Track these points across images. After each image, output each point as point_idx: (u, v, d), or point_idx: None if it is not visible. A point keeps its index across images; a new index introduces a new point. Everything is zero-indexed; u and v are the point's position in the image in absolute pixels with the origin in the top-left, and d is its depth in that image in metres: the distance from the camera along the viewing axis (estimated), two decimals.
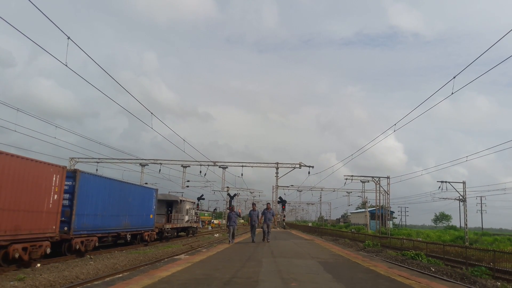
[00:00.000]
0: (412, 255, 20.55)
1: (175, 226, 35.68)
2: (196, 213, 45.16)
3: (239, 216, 20.94)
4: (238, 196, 69.06)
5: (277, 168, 46.30)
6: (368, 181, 54.80)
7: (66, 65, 13.10)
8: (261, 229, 20.61)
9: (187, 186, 50.90)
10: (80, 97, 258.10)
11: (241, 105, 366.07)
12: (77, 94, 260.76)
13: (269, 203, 22.06)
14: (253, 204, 21.24)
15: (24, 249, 14.66)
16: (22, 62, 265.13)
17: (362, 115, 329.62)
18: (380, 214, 55.24)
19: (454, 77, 14.76)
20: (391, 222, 73.22)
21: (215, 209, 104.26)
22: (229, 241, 18.82)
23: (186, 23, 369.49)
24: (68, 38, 12.48)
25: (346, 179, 51.89)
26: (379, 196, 52.83)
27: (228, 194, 53.15)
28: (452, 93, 15.04)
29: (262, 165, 47.22)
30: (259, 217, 19.80)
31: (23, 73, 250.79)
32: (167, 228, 33.06)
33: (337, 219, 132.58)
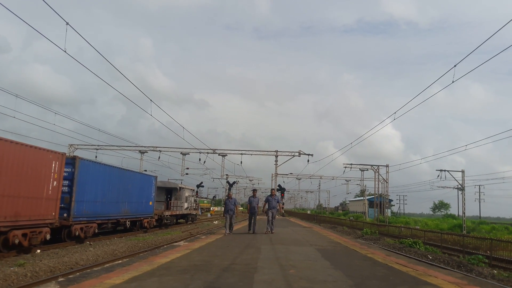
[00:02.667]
0: (410, 243, 20.66)
1: (175, 213, 35.83)
2: (195, 200, 45.31)
3: (237, 204, 20.23)
4: (237, 183, 69.26)
5: (276, 156, 46.32)
6: (367, 170, 54.94)
7: (65, 51, 13.00)
8: (265, 218, 18.37)
9: (187, 174, 51.01)
10: (76, 83, 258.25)
11: (239, 93, 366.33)
12: (73, 80, 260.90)
13: (273, 189, 20.13)
14: (254, 191, 19.08)
15: (24, 235, 14.73)
16: (17, 48, 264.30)
17: (360, 103, 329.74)
18: (379, 202, 55.50)
19: (455, 66, 14.66)
20: (389, 210, 73.50)
21: (215, 196, 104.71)
22: (226, 232, 16.98)
23: (180, 9, 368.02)
24: (67, 23, 12.35)
25: (345, 167, 52.00)
26: (378, 184, 53.03)
27: (228, 182, 53.30)
28: (452, 82, 14.96)
29: (262, 153, 47.26)
30: (260, 205, 18.12)
31: (18, 58, 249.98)
32: (167, 215, 33.20)
33: (335, 207, 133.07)
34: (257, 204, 18.03)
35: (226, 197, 18.47)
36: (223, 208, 18.49)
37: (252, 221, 17.89)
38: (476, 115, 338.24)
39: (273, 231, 17.51)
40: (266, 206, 17.71)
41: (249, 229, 17.80)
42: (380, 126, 50.96)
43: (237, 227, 21.29)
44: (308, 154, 44.83)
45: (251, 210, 17.97)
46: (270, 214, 17.53)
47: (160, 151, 45.92)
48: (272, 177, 48.19)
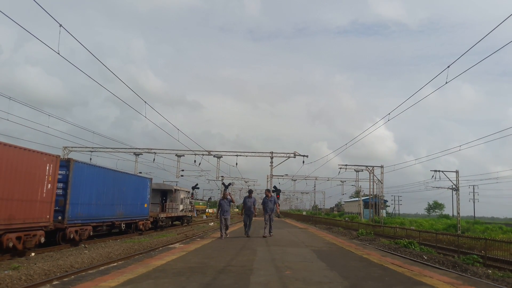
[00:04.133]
0: (405, 243, 20.75)
1: (170, 215, 35.73)
2: (190, 202, 45.22)
3: (233, 202, 18.90)
4: (233, 185, 69.15)
5: (271, 158, 46.35)
6: (362, 170, 55.07)
7: (58, 53, 12.93)
8: (262, 220, 17.16)
9: (182, 176, 50.89)
10: (67, 85, 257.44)
11: (232, 94, 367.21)
12: (64, 82, 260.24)
13: (268, 190, 18.43)
14: (249, 191, 17.46)
15: (18, 238, 14.64)
16: (8, 50, 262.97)
17: (354, 104, 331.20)
18: (374, 203, 55.65)
19: (448, 67, 14.73)
20: (384, 211, 73.78)
21: (210, 198, 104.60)
22: (221, 235, 15.81)
23: (171, 11, 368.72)
24: (60, 25, 12.29)
25: (340, 168, 52.13)
26: (373, 185, 53.18)
27: (223, 183, 53.16)
28: (446, 83, 15.04)
29: (257, 154, 47.25)
30: (257, 206, 16.93)
31: (9, 60, 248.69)
32: (162, 217, 33.10)
33: (331, 208, 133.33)
34: (253, 205, 16.81)
35: (221, 198, 16.59)
36: (218, 209, 16.27)
37: (248, 224, 16.71)
38: (468, 115, 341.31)
39: (271, 234, 16.56)
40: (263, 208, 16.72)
41: (246, 233, 16.55)
42: (374, 127, 51.17)
43: (233, 229, 21.21)
44: (303, 155, 44.91)
45: (246, 212, 16.71)
46: (267, 217, 16.48)
47: (155, 153, 45.82)
48: (267, 178, 48.22)
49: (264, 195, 17.20)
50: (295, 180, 67.91)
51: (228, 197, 16.47)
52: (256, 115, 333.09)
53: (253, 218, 17.23)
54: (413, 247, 20.05)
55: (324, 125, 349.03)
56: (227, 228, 16.10)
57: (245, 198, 17.01)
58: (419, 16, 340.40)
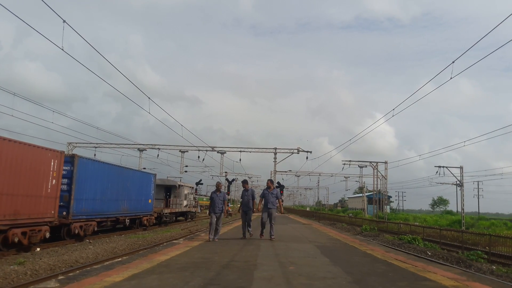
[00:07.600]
0: (409, 239, 20.73)
1: (174, 211, 35.85)
2: (194, 198, 45.35)
3: (227, 200, 13.83)
4: (236, 181, 69.24)
5: (275, 153, 46.32)
6: (366, 166, 54.97)
7: (62, 49, 12.96)
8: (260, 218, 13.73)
9: (186, 171, 50.96)
10: (66, 80, 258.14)
11: (233, 90, 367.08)
12: (63, 77, 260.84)
13: (271, 181, 14.15)
14: (244, 182, 14.30)
15: (24, 233, 14.73)
16: (7, 45, 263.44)
17: (354, 100, 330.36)
18: (378, 198, 55.55)
19: (453, 62, 14.66)
20: (388, 206, 73.67)
21: None
22: (209, 237, 12.75)
23: (166, 7, 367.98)
24: (64, 21, 12.30)
25: (344, 164, 52.02)
26: (377, 181, 53.06)
27: (226, 179, 53.24)
28: (451, 78, 14.96)
29: (260, 150, 47.23)
30: (256, 200, 13.86)
31: (8, 56, 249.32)
32: (166, 213, 33.22)
33: (334, 203, 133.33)
34: (252, 199, 13.64)
35: (213, 191, 13.15)
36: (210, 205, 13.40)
37: (245, 222, 13.76)
38: (469, 110, 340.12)
39: (273, 236, 13.30)
40: (262, 203, 13.54)
41: (243, 234, 13.73)
42: (378, 123, 51.04)
43: (229, 228, 19.61)
44: (307, 151, 44.85)
45: (243, 208, 13.68)
46: (265, 215, 13.29)
47: (159, 149, 45.86)
48: (271, 174, 48.21)
49: (266, 187, 13.86)
50: (298, 176, 67.90)
51: (222, 190, 13.31)
52: (257, 111, 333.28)
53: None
54: (417, 243, 20.02)
55: (325, 120, 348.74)
56: (217, 230, 13.02)
57: (243, 191, 14.11)
58: (421, 11, 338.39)
